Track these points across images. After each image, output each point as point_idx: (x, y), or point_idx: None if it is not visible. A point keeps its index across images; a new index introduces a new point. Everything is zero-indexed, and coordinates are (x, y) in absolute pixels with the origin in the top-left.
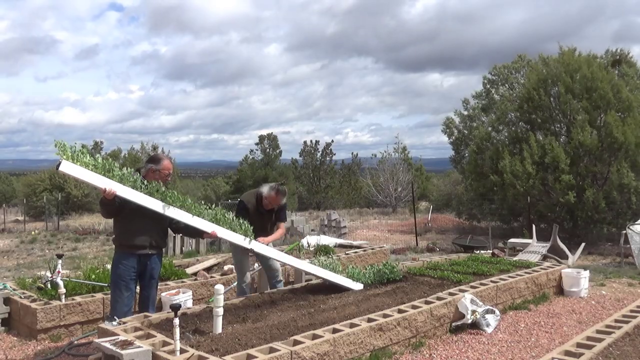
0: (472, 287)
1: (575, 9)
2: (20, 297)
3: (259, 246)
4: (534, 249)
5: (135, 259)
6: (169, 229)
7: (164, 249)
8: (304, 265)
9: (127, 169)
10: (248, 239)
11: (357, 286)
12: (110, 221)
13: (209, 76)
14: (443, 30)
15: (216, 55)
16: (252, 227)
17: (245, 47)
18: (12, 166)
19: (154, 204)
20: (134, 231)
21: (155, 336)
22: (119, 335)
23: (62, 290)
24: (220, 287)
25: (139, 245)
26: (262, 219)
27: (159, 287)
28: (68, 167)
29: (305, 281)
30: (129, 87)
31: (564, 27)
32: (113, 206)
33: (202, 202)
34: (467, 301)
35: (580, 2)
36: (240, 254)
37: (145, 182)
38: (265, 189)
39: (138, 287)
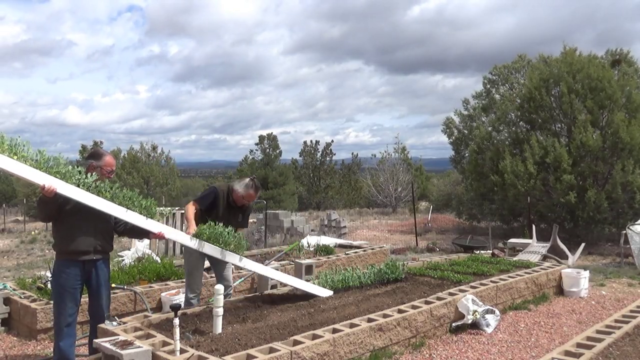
0: (472, 287)
1: (564, 14)
2: (20, 297)
3: (212, 249)
4: (534, 249)
5: (79, 267)
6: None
7: (110, 253)
8: (268, 271)
9: (79, 167)
10: (197, 240)
11: (326, 293)
12: None
13: (213, 77)
14: (440, 34)
15: (220, 57)
16: (220, 223)
17: (249, 49)
18: None
19: (102, 204)
20: (75, 235)
21: (155, 336)
22: (119, 335)
23: None
24: (220, 287)
25: (82, 250)
26: (229, 216)
27: (159, 287)
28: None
29: (271, 287)
30: (135, 88)
31: (554, 31)
32: (53, 205)
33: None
34: (469, 302)
35: (568, 8)
36: (195, 261)
37: (95, 180)
38: (240, 186)
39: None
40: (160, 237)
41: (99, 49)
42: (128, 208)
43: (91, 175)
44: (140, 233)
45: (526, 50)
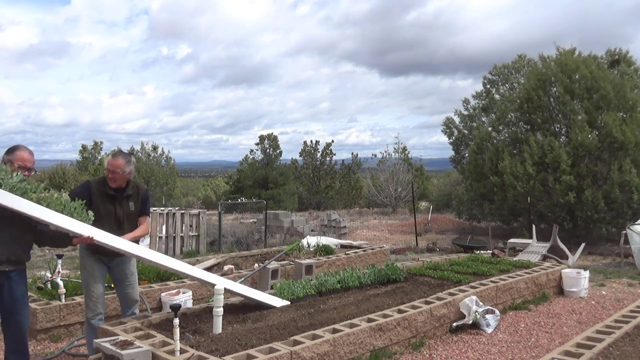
0: (472, 287)
1: (556, 18)
2: None
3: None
4: (534, 249)
5: None
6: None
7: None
8: (214, 279)
9: None
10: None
11: (282, 303)
12: None
13: (215, 79)
14: (437, 37)
15: (222, 60)
16: (96, 217)
17: (252, 52)
18: None
19: (18, 204)
20: None
21: (155, 336)
22: (119, 335)
23: (62, 290)
24: (220, 287)
25: None
26: (114, 206)
27: (159, 287)
28: None
29: (271, 287)
30: (141, 89)
31: (547, 34)
32: None
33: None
34: (472, 303)
35: (559, 11)
36: (91, 272)
37: (20, 180)
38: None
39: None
40: (88, 241)
41: (111, 50)
42: (49, 208)
43: (17, 174)
44: (61, 240)
45: (521, 52)
